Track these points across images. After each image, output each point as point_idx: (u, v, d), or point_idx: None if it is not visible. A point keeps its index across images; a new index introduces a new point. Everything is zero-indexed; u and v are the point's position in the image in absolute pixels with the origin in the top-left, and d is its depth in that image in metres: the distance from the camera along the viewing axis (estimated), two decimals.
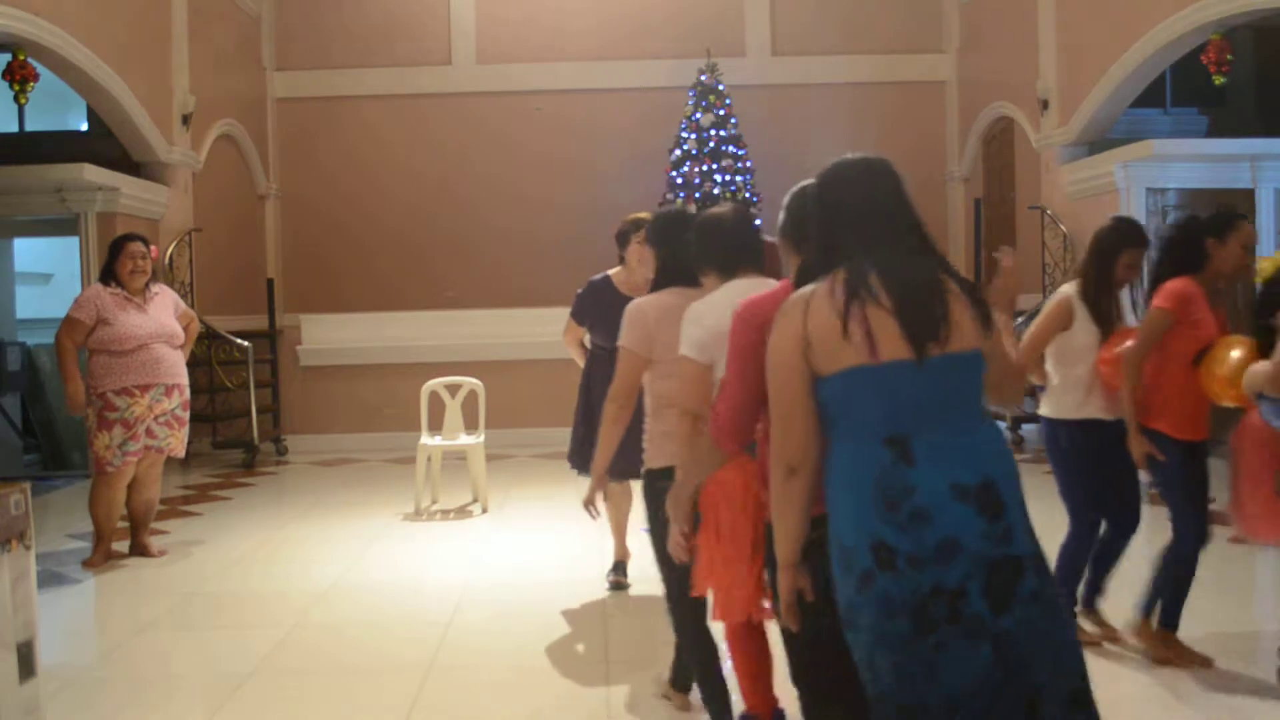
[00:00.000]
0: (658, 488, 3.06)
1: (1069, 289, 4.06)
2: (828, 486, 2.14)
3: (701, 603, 3.02)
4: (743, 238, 3.00)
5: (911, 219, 2.29)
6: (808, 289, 2.18)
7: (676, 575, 3.03)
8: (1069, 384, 4.02)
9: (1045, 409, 4.16)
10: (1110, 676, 3.79)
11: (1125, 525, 4.22)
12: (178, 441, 5.84)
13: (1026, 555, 2.06)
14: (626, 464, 3.63)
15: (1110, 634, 4.23)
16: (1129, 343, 3.80)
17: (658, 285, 3.34)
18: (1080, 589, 4.32)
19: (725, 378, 2.48)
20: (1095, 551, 4.26)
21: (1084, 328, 3.95)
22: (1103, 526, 4.26)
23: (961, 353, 2.12)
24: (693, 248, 3.06)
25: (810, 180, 2.46)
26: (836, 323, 2.09)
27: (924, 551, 2.00)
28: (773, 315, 2.23)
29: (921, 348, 2.08)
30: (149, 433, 5.67)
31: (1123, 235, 3.99)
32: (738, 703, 3.19)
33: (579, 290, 5.02)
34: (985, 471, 2.06)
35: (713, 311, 2.82)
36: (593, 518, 3.48)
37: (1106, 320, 3.94)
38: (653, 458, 3.20)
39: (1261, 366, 3.30)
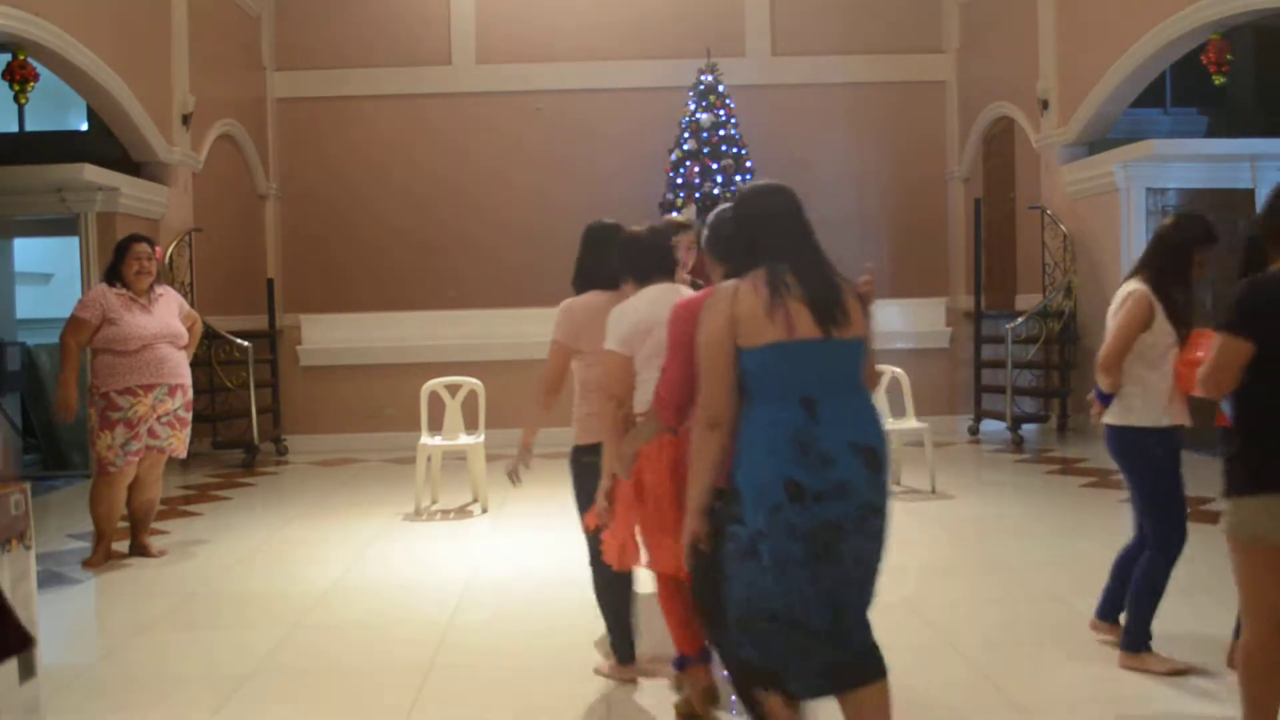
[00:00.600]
0: (584, 462, 3.62)
1: (1140, 285, 3.77)
2: (743, 442, 2.65)
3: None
4: (657, 252, 3.56)
5: (807, 230, 2.84)
6: (733, 282, 2.73)
7: (594, 536, 3.56)
8: (1154, 388, 3.74)
9: (1128, 417, 3.80)
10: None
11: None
12: (179, 442, 5.84)
13: (885, 506, 2.69)
14: None
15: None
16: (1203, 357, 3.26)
17: (581, 288, 3.83)
18: (1101, 601, 4.11)
19: (665, 362, 2.99)
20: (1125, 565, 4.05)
21: (1163, 328, 3.71)
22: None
23: (854, 338, 2.74)
24: (616, 260, 3.63)
25: (728, 205, 3.03)
26: (761, 307, 2.65)
27: (826, 488, 2.58)
28: (697, 306, 2.82)
29: (828, 330, 2.68)
30: (151, 433, 5.67)
31: (1194, 232, 3.76)
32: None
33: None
34: (872, 435, 2.68)
35: (634, 312, 3.39)
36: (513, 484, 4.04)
37: (1185, 321, 3.72)
38: (580, 435, 3.71)
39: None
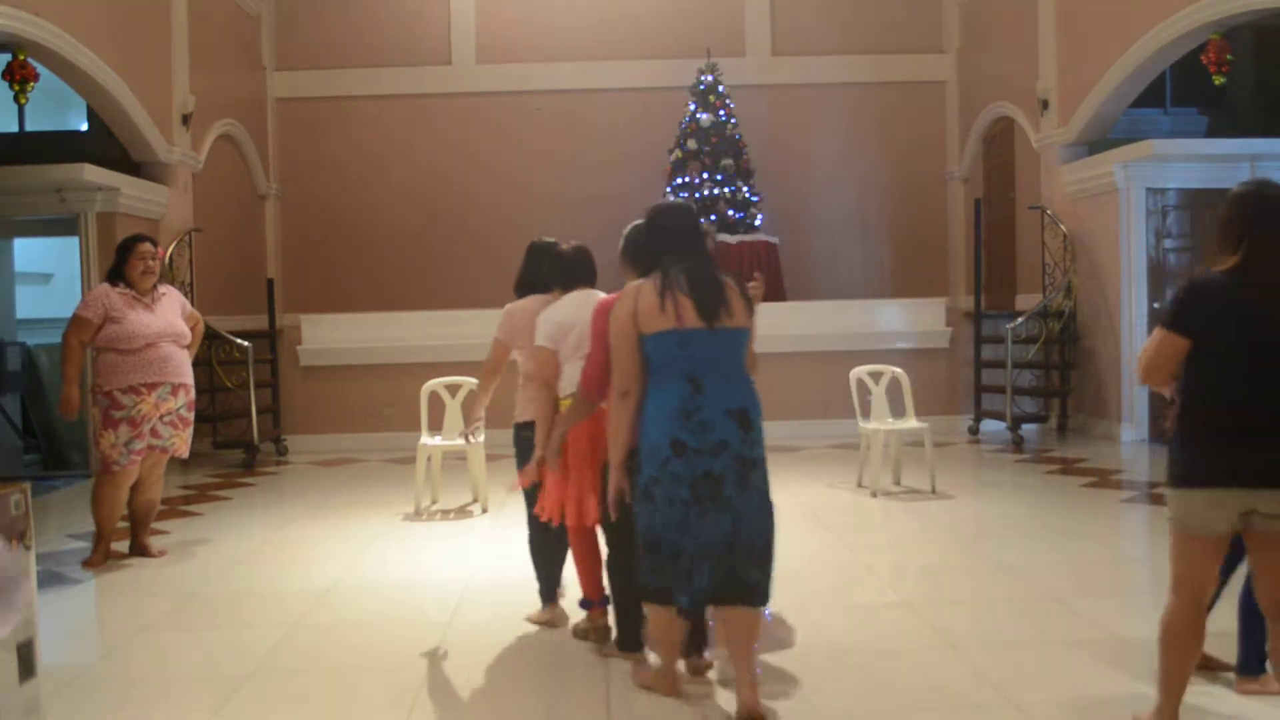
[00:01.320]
0: (523, 436, 4.39)
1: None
2: (645, 413, 3.39)
3: (548, 523, 4.18)
4: (580, 266, 4.30)
5: (701, 240, 3.53)
6: (638, 282, 3.49)
7: (530, 501, 4.38)
8: None
9: None
10: None
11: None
12: (181, 441, 5.83)
13: (760, 459, 3.39)
14: None
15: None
16: None
17: (521, 294, 4.64)
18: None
19: (590, 349, 3.74)
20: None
21: None
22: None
23: (736, 328, 3.41)
24: (549, 272, 4.42)
25: (640, 220, 3.72)
26: (656, 302, 3.35)
27: (705, 447, 3.30)
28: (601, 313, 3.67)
29: (711, 321, 3.35)
30: (154, 432, 5.66)
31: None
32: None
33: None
34: (745, 400, 3.38)
35: (559, 314, 4.15)
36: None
37: None
38: (519, 414, 4.44)
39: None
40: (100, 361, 5.62)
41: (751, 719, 3.34)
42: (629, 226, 3.91)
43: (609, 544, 4.02)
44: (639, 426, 3.42)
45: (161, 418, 5.67)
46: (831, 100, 13.18)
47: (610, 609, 4.17)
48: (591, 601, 4.28)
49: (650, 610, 3.59)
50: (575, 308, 4.11)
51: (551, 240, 4.66)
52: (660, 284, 3.37)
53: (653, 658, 3.83)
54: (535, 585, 4.59)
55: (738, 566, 3.33)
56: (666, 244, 3.48)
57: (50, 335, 9.90)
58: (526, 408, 4.39)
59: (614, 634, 4.14)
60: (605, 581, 4.14)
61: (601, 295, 4.03)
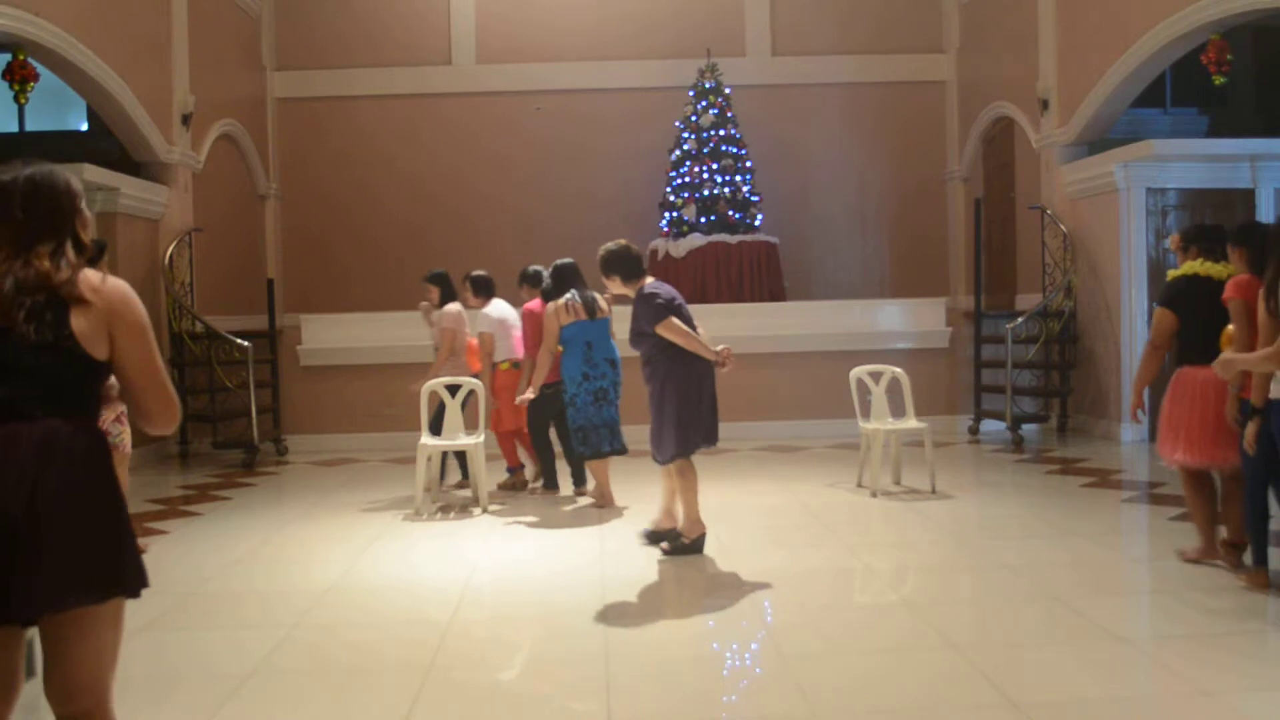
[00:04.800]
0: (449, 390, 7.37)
1: None
2: (565, 362, 6.77)
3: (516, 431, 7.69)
4: (489, 284, 7.79)
5: (581, 275, 6.99)
6: (562, 299, 6.82)
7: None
8: None
9: None
10: None
11: None
12: (126, 439, 5.65)
13: (620, 381, 6.88)
14: (708, 432, 5.66)
15: None
16: None
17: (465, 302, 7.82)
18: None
19: (524, 334, 7.48)
20: None
21: None
22: None
23: (605, 319, 6.85)
24: (474, 288, 7.73)
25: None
26: (566, 308, 6.76)
27: (596, 375, 6.71)
28: (539, 312, 7.22)
29: (593, 316, 6.77)
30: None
31: None
32: None
33: (664, 297, 5.52)
34: (612, 355, 6.85)
35: (495, 313, 7.59)
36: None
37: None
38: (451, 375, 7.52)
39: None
40: None
41: (601, 504, 7.01)
42: (551, 269, 7.12)
43: (559, 435, 7.48)
44: (562, 368, 6.78)
45: (115, 418, 5.50)
46: (831, 100, 13.18)
47: (522, 472, 7.77)
48: (512, 469, 7.77)
49: (590, 463, 6.98)
50: (500, 311, 7.65)
51: (483, 273, 7.90)
52: (570, 299, 6.80)
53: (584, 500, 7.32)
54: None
55: (619, 435, 6.82)
56: (568, 279, 6.92)
57: None
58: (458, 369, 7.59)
59: (539, 483, 7.67)
60: (524, 455, 7.81)
61: (504, 305, 7.72)
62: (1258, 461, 4.55)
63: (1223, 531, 5.16)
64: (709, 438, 5.60)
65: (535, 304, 7.41)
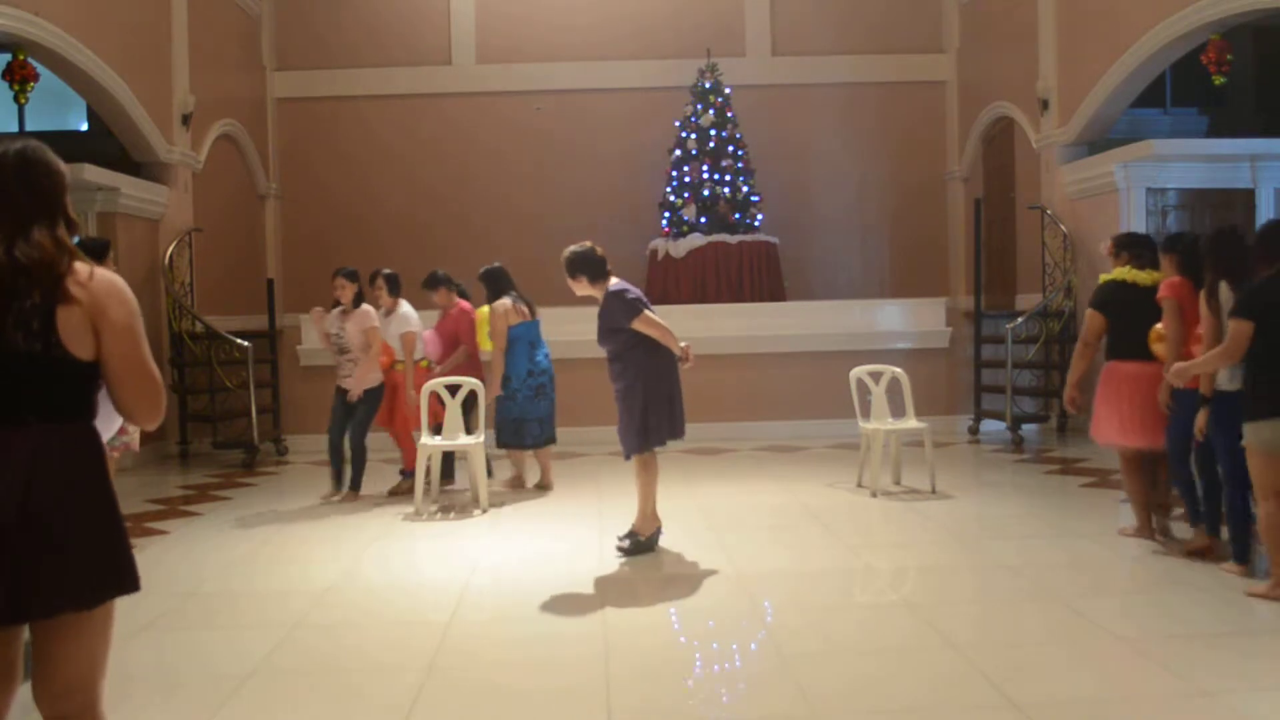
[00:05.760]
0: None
1: None
2: (511, 359, 7.45)
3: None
4: (400, 283, 7.77)
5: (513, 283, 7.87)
6: (507, 300, 7.54)
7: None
8: None
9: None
10: None
11: None
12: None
13: (554, 375, 7.76)
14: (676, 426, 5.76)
15: None
16: None
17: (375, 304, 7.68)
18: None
19: (428, 335, 7.76)
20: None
21: None
22: None
23: (538, 319, 7.68)
24: (390, 286, 7.71)
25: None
26: (514, 309, 7.49)
27: (538, 372, 7.51)
28: (471, 312, 7.88)
29: (533, 316, 7.62)
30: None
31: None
32: None
33: (633, 294, 5.69)
34: (547, 351, 7.68)
35: (412, 314, 7.62)
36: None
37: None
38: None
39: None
40: None
41: (543, 485, 7.76)
42: (486, 271, 7.71)
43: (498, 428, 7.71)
44: (508, 365, 7.43)
45: None
46: (832, 100, 13.18)
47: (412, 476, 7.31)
48: (407, 472, 7.58)
49: (515, 453, 7.73)
50: (412, 313, 7.68)
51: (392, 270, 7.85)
52: (514, 300, 7.47)
53: (494, 487, 7.22)
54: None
55: (553, 427, 7.64)
56: (505, 285, 7.57)
57: None
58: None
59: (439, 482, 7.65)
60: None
61: (407, 309, 7.65)
62: (1181, 441, 5.22)
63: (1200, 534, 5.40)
64: (675, 432, 5.73)
65: (465, 305, 7.83)
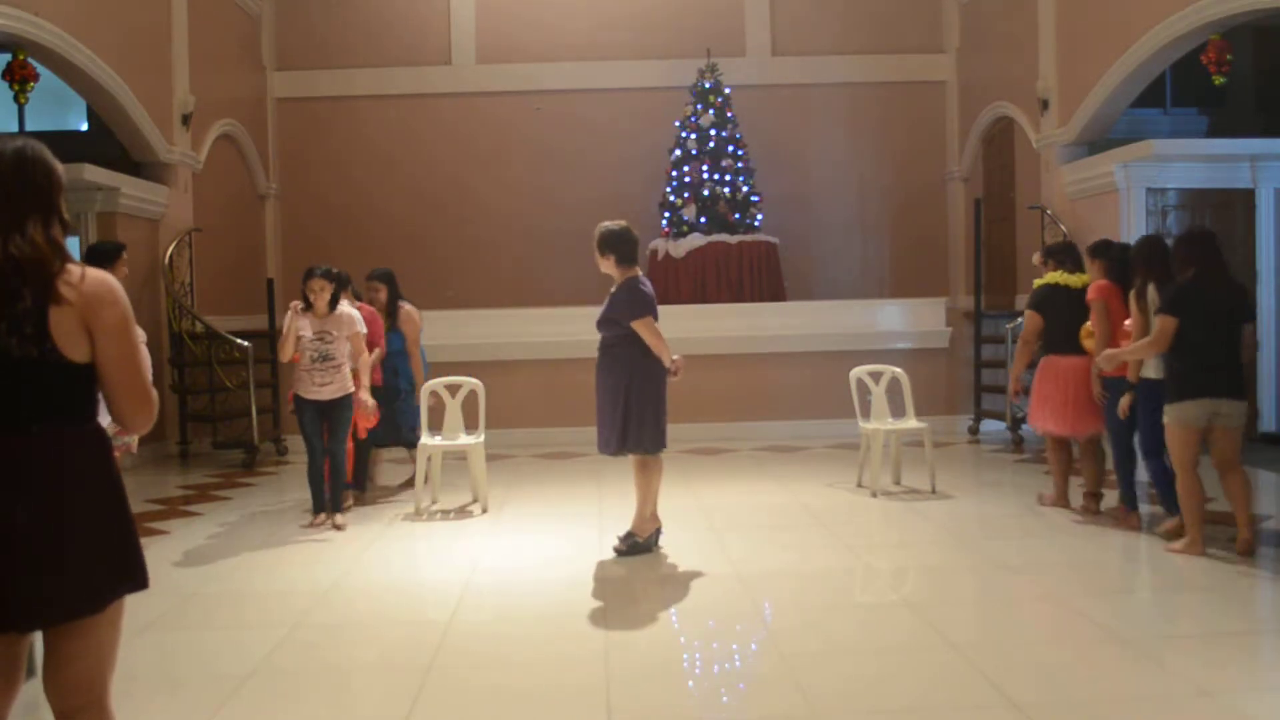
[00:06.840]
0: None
1: None
2: (406, 368, 7.59)
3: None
4: (347, 283, 7.09)
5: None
6: (407, 305, 7.67)
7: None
8: None
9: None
10: None
11: None
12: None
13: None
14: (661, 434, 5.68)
15: None
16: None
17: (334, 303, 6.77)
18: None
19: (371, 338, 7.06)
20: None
21: None
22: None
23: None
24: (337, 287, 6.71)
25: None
26: (417, 315, 7.84)
27: (427, 376, 7.57)
28: (378, 318, 7.38)
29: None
30: None
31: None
32: None
33: (647, 293, 5.58)
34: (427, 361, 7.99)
35: (358, 314, 6.79)
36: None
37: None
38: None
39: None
40: None
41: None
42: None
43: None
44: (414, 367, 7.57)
45: None
46: (831, 100, 13.17)
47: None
48: (350, 485, 7.09)
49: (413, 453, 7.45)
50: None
51: (340, 270, 6.93)
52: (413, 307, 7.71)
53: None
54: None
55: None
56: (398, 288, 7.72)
57: None
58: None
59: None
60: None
61: (348, 308, 6.75)
62: (1122, 424, 5.88)
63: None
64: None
65: (370, 308, 7.40)
